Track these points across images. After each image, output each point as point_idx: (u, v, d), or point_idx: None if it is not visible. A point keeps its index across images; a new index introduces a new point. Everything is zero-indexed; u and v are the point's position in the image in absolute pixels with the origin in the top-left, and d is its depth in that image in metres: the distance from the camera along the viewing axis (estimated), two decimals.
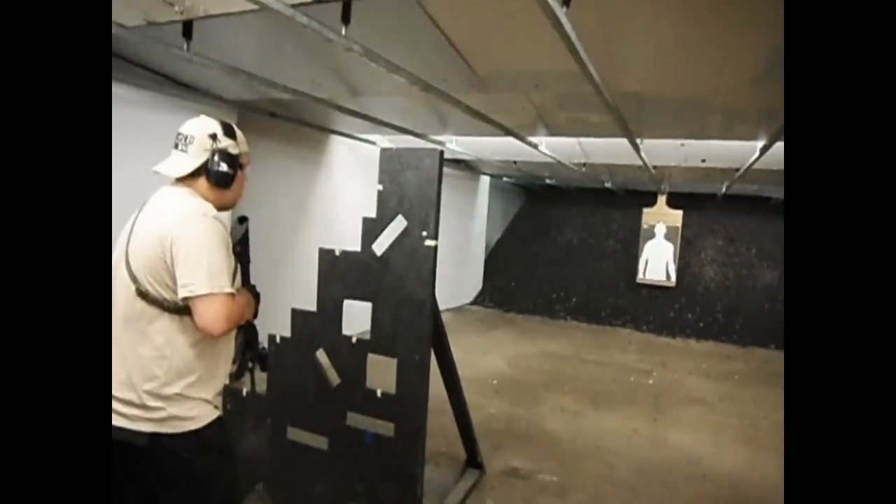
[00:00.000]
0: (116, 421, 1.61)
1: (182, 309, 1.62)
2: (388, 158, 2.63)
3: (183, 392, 1.64)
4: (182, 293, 1.57)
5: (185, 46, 2.66)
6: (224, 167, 1.73)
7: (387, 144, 6.14)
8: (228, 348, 1.81)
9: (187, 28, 2.62)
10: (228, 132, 1.78)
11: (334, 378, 2.68)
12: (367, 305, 2.64)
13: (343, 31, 2.25)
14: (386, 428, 2.59)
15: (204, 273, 1.56)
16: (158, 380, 1.61)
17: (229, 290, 1.61)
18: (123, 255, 1.66)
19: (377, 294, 2.62)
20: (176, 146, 1.73)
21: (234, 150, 1.78)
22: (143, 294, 1.61)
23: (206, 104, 3.90)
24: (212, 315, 1.57)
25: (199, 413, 1.68)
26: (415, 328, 2.55)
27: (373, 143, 6.27)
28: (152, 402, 1.62)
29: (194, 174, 1.72)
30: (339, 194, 6.34)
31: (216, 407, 1.75)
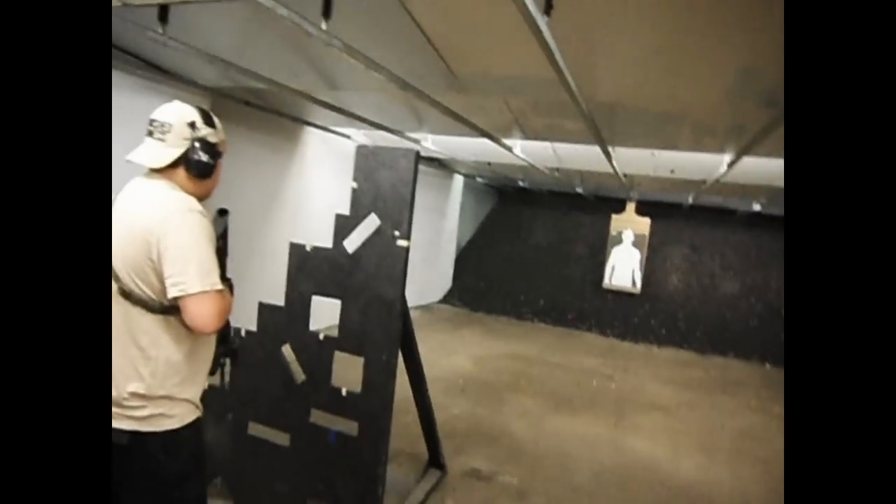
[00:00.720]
0: None
1: (168, 309, 1.56)
2: (365, 156, 2.62)
3: (169, 393, 1.59)
4: (172, 293, 1.50)
5: (160, 30, 2.60)
6: (205, 157, 1.65)
7: (362, 139, 6.10)
8: (210, 347, 1.76)
9: (163, 11, 2.56)
10: (207, 120, 1.68)
11: (299, 374, 2.66)
12: (336, 301, 2.62)
13: (323, 26, 2.22)
14: (350, 427, 2.58)
15: (195, 271, 1.50)
16: (144, 381, 1.56)
17: (220, 286, 1.57)
18: None
19: (346, 291, 2.61)
20: (150, 133, 1.63)
21: (213, 139, 1.69)
22: (126, 294, 1.54)
23: (180, 89, 3.82)
24: (206, 313, 1.52)
25: (181, 412, 1.63)
26: (383, 328, 2.54)
27: (348, 136, 6.23)
28: (136, 402, 1.56)
29: (172, 164, 1.63)
30: (312, 187, 6.28)
31: (197, 407, 1.70)
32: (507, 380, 5.93)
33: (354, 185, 2.60)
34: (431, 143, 5.78)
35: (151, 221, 1.52)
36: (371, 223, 2.58)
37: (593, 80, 2.77)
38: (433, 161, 8.21)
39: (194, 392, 1.67)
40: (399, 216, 2.54)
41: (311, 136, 6.15)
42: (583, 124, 3.40)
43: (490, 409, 4.94)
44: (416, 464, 3.59)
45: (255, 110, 4.81)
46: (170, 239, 1.51)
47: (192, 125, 1.63)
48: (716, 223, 9.75)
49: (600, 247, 9.84)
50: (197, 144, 1.63)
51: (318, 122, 5.74)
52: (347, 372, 2.65)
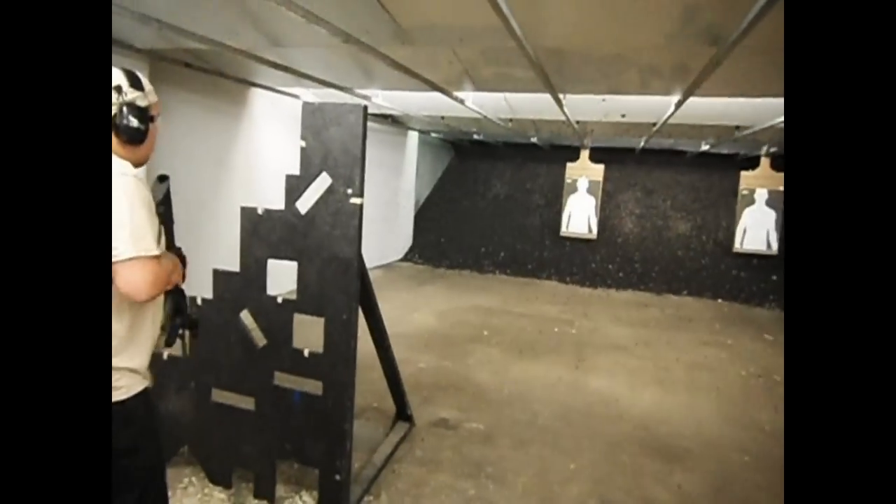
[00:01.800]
0: None
1: None
2: (311, 113, 2.55)
3: (113, 364, 1.55)
4: None
5: None
6: (135, 122, 1.59)
7: (311, 98, 5.93)
8: (155, 314, 1.72)
9: None
10: (135, 83, 1.62)
11: (260, 339, 2.65)
12: (294, 265, 2.60)
13: None
14: (314, 387, 2.60)
15: (127, 236, 1.46)
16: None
17: (155, 252, 1.53)
18: None
19: (302, 253, 2.58)
20: None
21: (142, 103, 1.62)
22: None
23: (115, 53, 3.62)
24: (138, 279, 1.48)
25: (127, 383, 1.60)
26: (342, 287, 2.54)
27: (296, 96, 6.06)
28: None
29: None
30: (262, 149, 6.12)
31: (144, 377, 1.67)
32: (471, 332, 6.04)
33: (303, 143, 2.55)
34: (382, 99, 5.67)
35: None
36: (322, 182, 2.55)
37: (538, 25, 2.74)
38: (386, 118, 8.08)
39: (140, 362, 1.65)
40: (350, 173, 2.51)
41: (258, 97, 5.96)
42: (532, 72, 3.39)
43: (455, 360, 5.04)
44: (384, 418, 3.66)
45: (197, 73, 4.62)
46: None
47: (119, 90, 1.57)
48: (667, 165, 9.96)
49: (556, 196, 9.95)
50: (125, 109, 1.57)
51: (264, 83, 5.56)
52: (309, 333, 2.66)
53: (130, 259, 1.46)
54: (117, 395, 1.58)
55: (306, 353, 2.59)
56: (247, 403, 2.69)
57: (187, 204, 5.02)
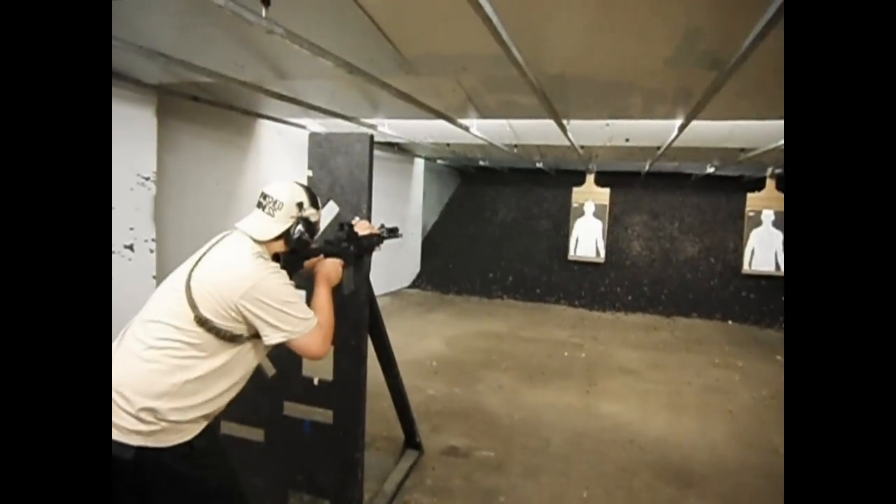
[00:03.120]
0: None
1: (236, 337, 1.67)
2: (318, 143, 2.60)
3: (186, 416, 1.60)
4: (277, 339, 1.69)
5: None
6: (306, 236, 1.86)
7: (317, 128, 6.02)
8: (241, 378, 1.79)
9: None
10: (313, 201, 1.90)
11: (269, 369, 2.65)
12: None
13: (263, 13, 2.19)
14: (324, 415, 2.58)
15: (296, 320, 1.70)
16: (162, 398, 1.56)
17: (315, 320, 1.76)
18: (185, 278, 1.67)
19: (310, 281, 2.59)
20: (261, 206, 1.84)
21: (314, 218, 1.90)
22: (201, 321, 1.61)
23: (124, 88, 3.70)
24: (313, 349, 1.74)
25: (190, 427, 1.63)
26: (350, 314, 2.54)
27: (303, 127, 6.14)
28: (148, 417, 1.55)
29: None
30: (270, 180, 6.17)
31: (206, 419, 1.70)
32: (480, 358, 6.00)
33: (310, 173, 2.59)
34: (388, 127, 5.74)
35: (238, 286, 1.65)
36: (330, 210, 2.58)
37: (540, 52, 2.78)
38: (392, 146, 8.16)
39: (210, 410, 1.68)
40: (358, 201, 2.54)
41: (266, 128, 6.05)
42: (535, 99, 3.43)
43: (464, 387, 5.00)
44: (394, 446, 3.63)
45: (205, 105, 4.70)
46: (265, 302, 1.66)
47: (301, 205, 1.85)
48: (673, 188, 9.97)
49: (563, 220, 9.96)
50: (301, 224, 1.84)
51: (271, 114, 5.64)
52: (319, 361, 2.65)
53: (307, 334, 1.72)
54: (182, 438, 1.61)
55: (316, 381, 2.58)
56: (256, 434, 2.68)
57: (197, 233, 5.08)
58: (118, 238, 3.78)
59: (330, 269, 2.00)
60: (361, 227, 2.22)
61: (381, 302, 3.13)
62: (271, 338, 1.68)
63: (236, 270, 1.69)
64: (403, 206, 9.78)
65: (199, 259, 1.74)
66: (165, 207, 4.28)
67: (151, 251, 4.03)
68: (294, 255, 1.89)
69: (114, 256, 3.73)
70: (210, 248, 1.79)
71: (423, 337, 6.73)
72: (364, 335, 2.60)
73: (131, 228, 3.85)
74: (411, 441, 3.58)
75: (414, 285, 10.23)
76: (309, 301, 1.91)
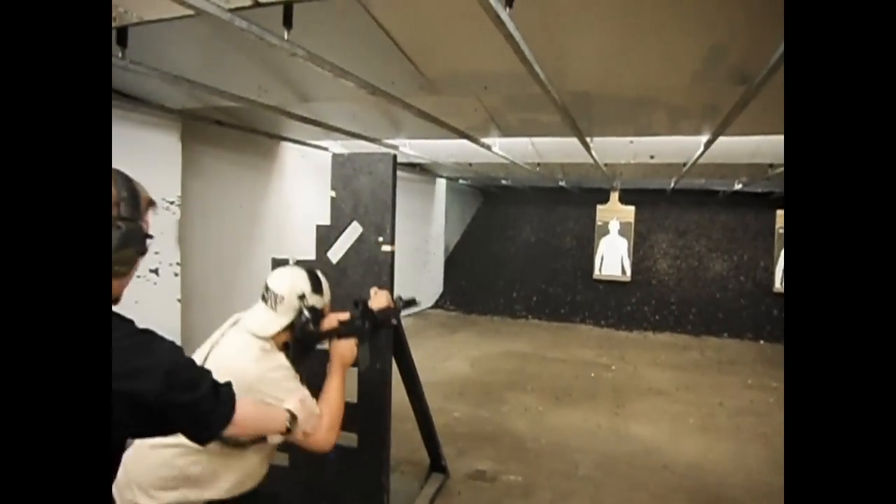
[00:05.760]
0: None
1: (242, 443, 1.65)
2: (341, 164, 2.59)
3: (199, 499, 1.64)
4: (276, 438, 1.59)
5: (120, 54, 2.56)
6: (311, 326, 1.80)
7: (340, 150, 6.06)
8: (258, 471, 1.84)
9: (122, 35, 2.52)
10: (316, 287, 1.84)
11: None
12: None
13: (286, 36, 2.20)
14: (349, 439, 2.54)
15: (303, 418, 1.59)
16: (174, 492, 1.58)
17: (317, 412, 1.68)
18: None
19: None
20: (263, 299, 1.80)
21: (319, 305, 1.84)
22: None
23: (148, 114, 3.76)
24: (321, 443, 1.70)
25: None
26: (375, 336, 2.51)
27: (325, 148, 6.19)
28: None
29: None
30: (293, 202, 6.23)
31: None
32: (505, 379, 5.92)
33: (333, 193, 2.58)
34: (410, 147, 5.75)
35: (244, 380, 1.57)
36: (354, 231, 2.56)
37: (563, 69, 2.76)
38: (414, 167, 8.19)
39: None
40: (381, 221, 2.52)
41: (289, 151, 6.11)
42: (558, 116, 3.40)
43: (490, 409, 4.92)
44: (419, 470, 3.56)
45: (229, 129, 4.76)
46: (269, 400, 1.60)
47: (302, 297, 1.79)
48: (699, 205, 9.81)
49: (588, 238, 9.86)
50: (305, 313, 1.79)
51: (294, 137, 5.70)
52: None
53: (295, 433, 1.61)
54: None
55: None
56: (281, 459, 2.64)
57: (221, 256, 5.13)
58: (143, 262, 3.81)
59: (344, 350, 1.91)
60: (378, 301, 2.15)
61: (404, 322, 3.09)
62: (272, 437, 1.59)
63: (247, 358, 1.69)
64: (426, 226, 9.79)
65: (206, 356, 1.73)
66: (189, 231, 4.32)
67: (176, 275, 4.07)
68: (302, 342, 1.86)
69: (139, 280, 3.76)
70: (217, 340, 1.78)
71: (447, 358, 6.66)
72: (389, 358, 2.56)
73: (156, 252, 3.89)
74: (437, 464, 3.51)
75: (437, 305, 10.18)
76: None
